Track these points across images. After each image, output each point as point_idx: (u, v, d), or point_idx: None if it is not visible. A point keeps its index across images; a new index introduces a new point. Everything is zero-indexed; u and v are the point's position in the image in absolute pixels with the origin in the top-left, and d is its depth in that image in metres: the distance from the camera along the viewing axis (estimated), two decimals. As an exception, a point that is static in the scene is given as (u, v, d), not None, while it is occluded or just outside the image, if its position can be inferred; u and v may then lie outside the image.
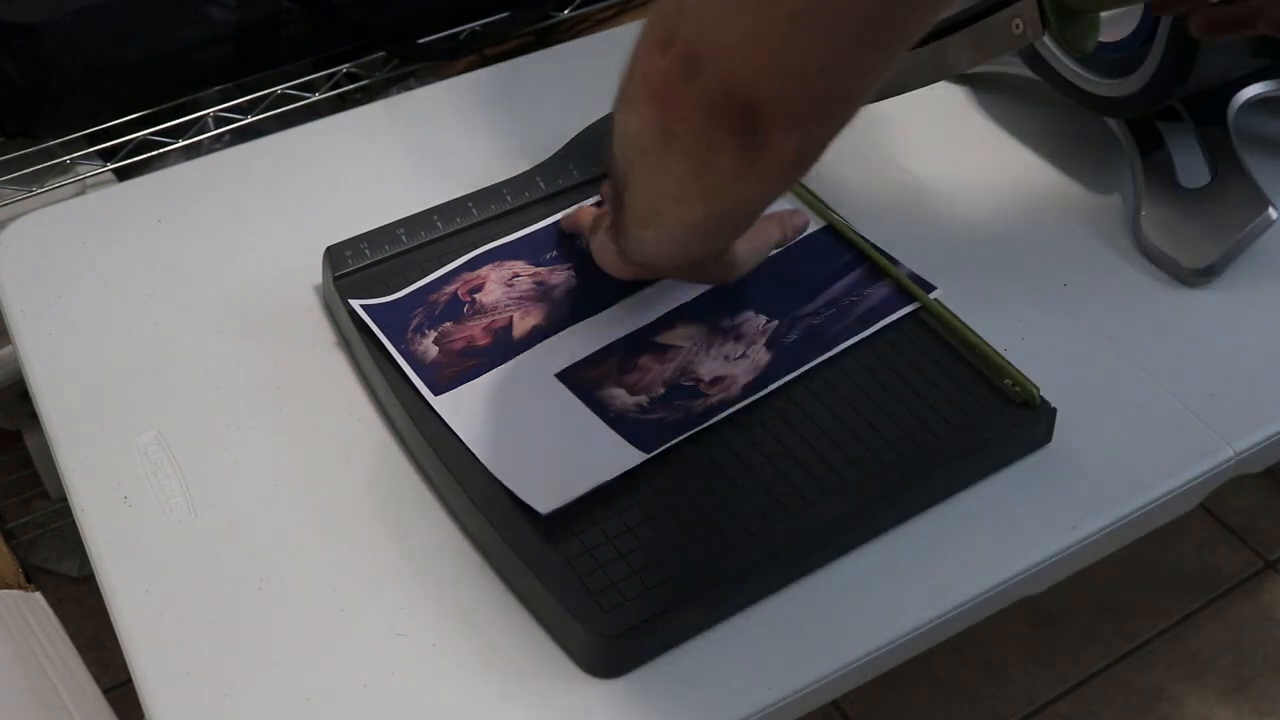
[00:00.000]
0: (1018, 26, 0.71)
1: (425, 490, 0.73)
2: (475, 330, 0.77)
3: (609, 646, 0.65)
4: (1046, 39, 0.71)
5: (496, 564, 0.69)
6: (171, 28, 1.04)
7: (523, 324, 0.78)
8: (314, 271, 0.82)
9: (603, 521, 0.68)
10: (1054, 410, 0.74)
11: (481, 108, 0.97)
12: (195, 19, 1.04)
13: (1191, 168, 0.87)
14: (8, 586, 0.86)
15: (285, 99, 1.12)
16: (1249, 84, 0.90)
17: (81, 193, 1.07)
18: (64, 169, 1.08)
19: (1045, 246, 0.87)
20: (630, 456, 0.71)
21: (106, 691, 0.79)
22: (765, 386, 0.74)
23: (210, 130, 1.10)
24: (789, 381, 0.75)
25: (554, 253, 0.82)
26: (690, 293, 0.79)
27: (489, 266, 0.81)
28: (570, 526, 0.68)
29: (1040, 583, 0.72)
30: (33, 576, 0.89)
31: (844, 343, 0.76)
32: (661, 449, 0.71)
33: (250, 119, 1.11)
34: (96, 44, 1.01)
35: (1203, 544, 1.51)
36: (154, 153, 1.09)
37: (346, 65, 1.14)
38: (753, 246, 0.77)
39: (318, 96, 1.13)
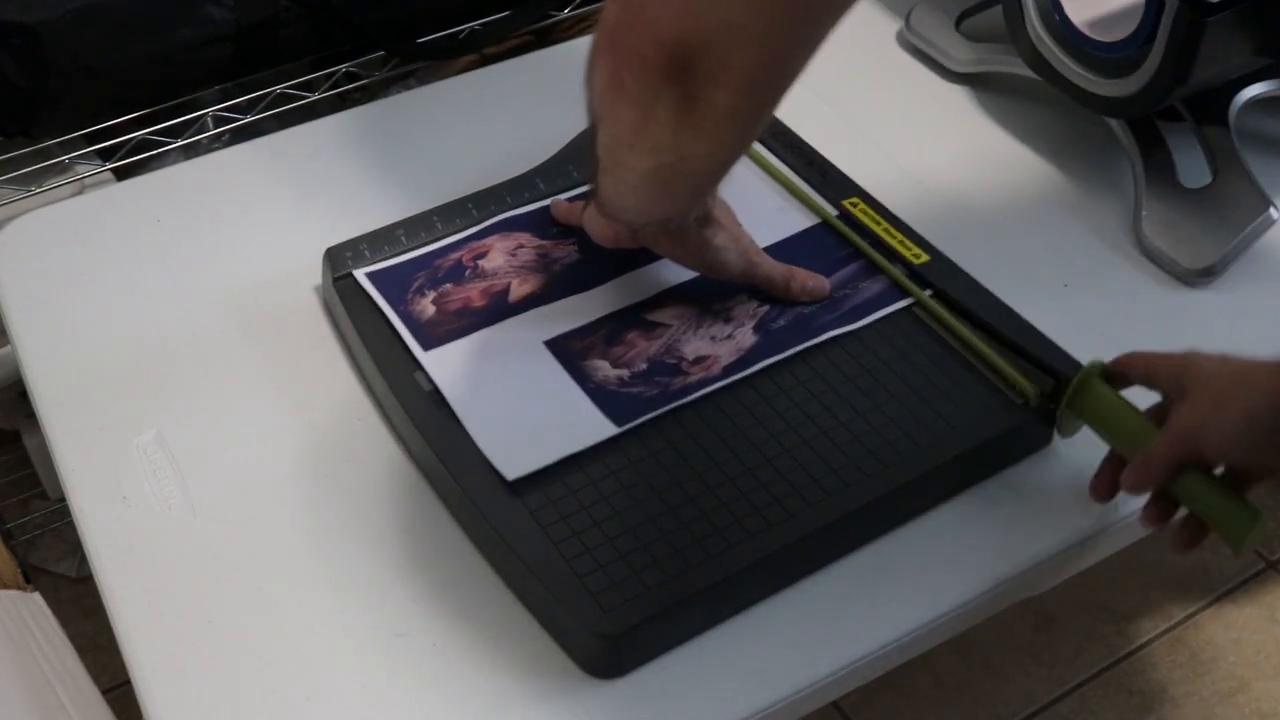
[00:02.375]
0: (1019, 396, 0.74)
1: (425, 489, 0.73)
2: (473, 292, 0.79)
3: (609, 646, 0.65)
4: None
5: (497, 564, 0.69)
6: (171, 28, 1.04)
7: (519, 290, 0.79)
8: (314, 271, 0.82)
9: (603, 521, 0.68)
10: (1054, 410, 0.74)
11: (481, 108, 0.97)
12: (195, 19, 1.04)
13: (1192, 168, 0.87)
14: (6, 587, 0.85)
15: (285, 99, 1.12)
16: (1249, 84, 0.90)
17: (80, 192, 1.07)
18: (63, 169, 1.08)
19: (1045, 246, 0.87)
20: (603, 428, 0.71)
21: (106, 692, 0.79)
22: (747, 368, 0.75)
23: (210, 130, 1.10)
24: (787, 380, 0.74)
25: (561, 228, 0.83)
26: (686, 273, 0.80)
27: (496, 236, 0.82)
28: (570, 525, 0.68)
29: (1040, 583, 0.72)
30: (31, 577, 0.88)
31: (832, 331, 0.77)
32: (633, 423, 0.72)
33: (250, 119, 1.11)
34: (96, 44, 1.01)
35: (1203, 544, 1.50)
36: (153, 152, 1.08)
37: (346, 65, 1.13)
38: (738, 246, 0.77)
39: (317, 96, 1.13)
